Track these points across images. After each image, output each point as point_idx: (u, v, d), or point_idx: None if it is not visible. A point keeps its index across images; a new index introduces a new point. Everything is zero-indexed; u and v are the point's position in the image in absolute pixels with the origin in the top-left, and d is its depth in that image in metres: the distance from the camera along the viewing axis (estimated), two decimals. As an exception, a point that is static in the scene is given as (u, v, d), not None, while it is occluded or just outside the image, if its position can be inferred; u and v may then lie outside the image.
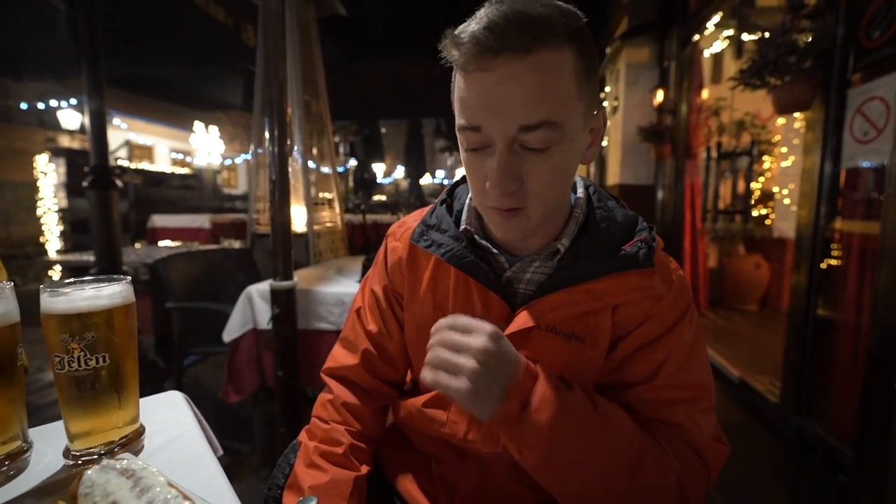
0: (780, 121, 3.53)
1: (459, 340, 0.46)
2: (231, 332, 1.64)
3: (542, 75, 0.44)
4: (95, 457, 0.51)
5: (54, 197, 7.26)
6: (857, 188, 1.65)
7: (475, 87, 0.46)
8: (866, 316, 1.51)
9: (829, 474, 1.62)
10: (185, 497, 0.38)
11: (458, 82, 0.48)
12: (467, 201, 0.62)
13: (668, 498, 0.48)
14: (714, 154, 3.89)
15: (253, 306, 1.63)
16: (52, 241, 7.25)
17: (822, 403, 1.80)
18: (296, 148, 2.51)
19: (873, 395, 1.34)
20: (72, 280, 0.51)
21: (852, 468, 1.48)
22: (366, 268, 1.75)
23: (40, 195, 7.25)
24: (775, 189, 3.75)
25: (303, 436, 0.67)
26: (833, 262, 1.73)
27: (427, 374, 0.47)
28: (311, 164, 2.61)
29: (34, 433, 0.56)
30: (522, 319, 0.54)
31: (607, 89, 4.52)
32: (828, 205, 1.72)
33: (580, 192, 0.60)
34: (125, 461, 0.42)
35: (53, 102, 7.62)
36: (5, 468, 0.49)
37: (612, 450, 0.47)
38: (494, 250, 0.58)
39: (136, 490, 0.38)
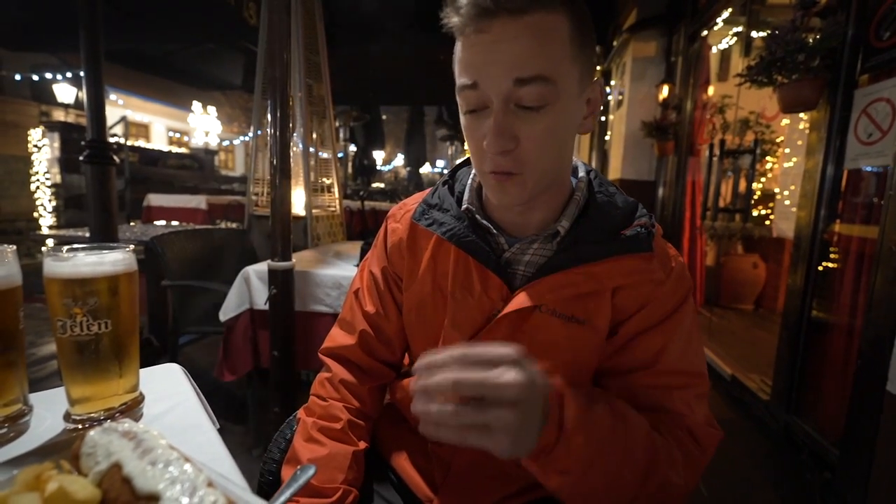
0: (785, 121, 3.53)
1: (486, 381, 0.36)
2: (227, 311, 1.64)
3: (537, 34, 0.46)
4: (96, 422, 0.51)
5: (48, 172, 7.15)
6: (857, 192, 1.65)
7: (473, 47, 0.48)
8: (859, 319, 1.52)
9: (815, 471, 1.65)
10: (186, 459, 0.38)
11: (458, 47, 0.50)
12: (469, 182, 0.62)
13: (677, 490, 0.49)
14: (717, 152, 3.89)
15: (250, 286, 1.63)
16: (45, 216, 7.17)
17: (812, 402, 1.83)
18: (296, 131, 2.49)
19: (862, 396, 1.36)
20: (75, 246, 0.51)
21: (838, 466, 1.50)
22: (364, 252, 1.75)
23: (33, 170, 7.15)
24: (776, 189, 3.76)
25: (301, 413, 0.67)
26: (830, 264, 1.75)
27: (448, 435, 0.37)
28: (310, 148, 2.59)
29: (34, 399, 0.56)
30: (521, 300, 0.54)
31: (613, 83, 4.49)
32: (828, 207, 1.72)
33: (581, 175, 0.60)
34: (126, 424, 0.42)
35: (48, 75, 7.48)
36: (5, 430, 0.49)
37: (633, 456, 0.46)
38: (494, 231, 0.58)
39: (138, 451, 0.38)
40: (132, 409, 0.55)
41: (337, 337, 0.70)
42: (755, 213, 3.89)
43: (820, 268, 1.77)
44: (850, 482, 1.40)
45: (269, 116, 1.47)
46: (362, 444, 0.64)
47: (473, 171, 0.62)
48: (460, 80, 0.50)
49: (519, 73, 0.46)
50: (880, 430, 1.25)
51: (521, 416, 0.37)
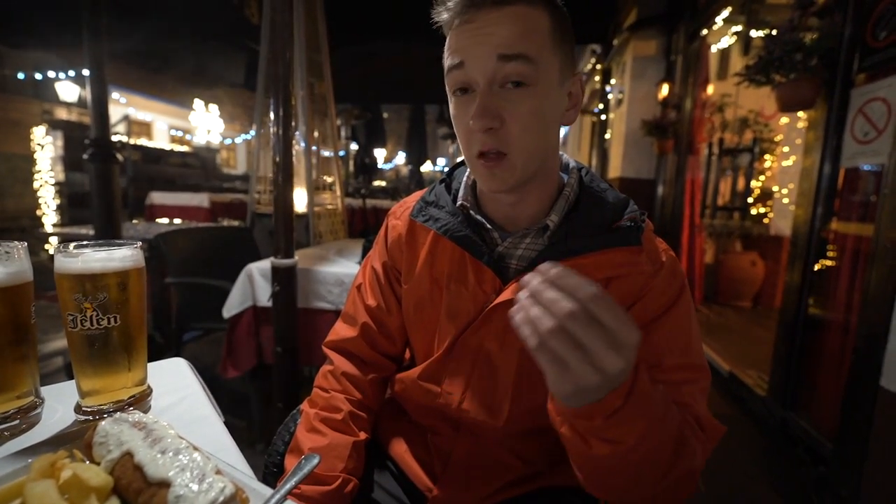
0: (784, 120, 3.54)
1: (597, 343, 0.35)
2: (231, 308, 1.66)
3: (519, 21, 0.49)
4: (106, 414, 0.53)
5: (51, 170, 7.19)
6: (853, 190, 1.67)
7: (460, 34, 0.51)
8: (854, 316, 1.54)
9: (810, 466, 1.67)
10: (195, 448, 0.40)
11: (447, 41, 0.53)
12: (464, 180, 0.64)
13: (695, 475, 0.50)
14: (716, 150, 3.90)
15: (253, 283, 1.65)
16: (49, 214, 7.21)
17: (807, 398, 1.84)
18: (298, 130, 2.50)
19: (856, 391, 1.37)
20: (83, 242, 0.53)
21: (832, 460, 1.52)
22: (366, 249, 1.77)
23: (37, 168, 7.18)
24: (775, 188, 3.77)
25: (304, 405, 0.69)
26: (827, 261, 1.76)
27: (527, 336, 0.37)
28: (312, 146, 2.61)
29: (45, 392, 0.57)
30: (511, 291, 0.56)
31: (613, 81, 4.49)
32: (825, 205, 1.74)
33: (572, 171, 0.62)
34: (137, 415, 0.44)
35: (51, 73, 7.50)
36: (18, 421, 0.51)
37: (670, 435, 0.45)
38: (488, 226, 0.60)
39: (148, 440, 0.40)
40: (141, 401, 0.57)
41: (340, 330, 0.72)
42: (753, 211, 3.90)
43: (817, 266, 1.78)
44: (844, 476, 1.41)
45: (271, 115, 1.49)
46: (363, 435, 0.65)
47: (469, 169, 0.64)
48: (448, 62, 0.53)
49: (503, 49, 0.49)
50: (874, 425, 1.26)
51: (600, 381, 0.37)
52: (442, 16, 0.52)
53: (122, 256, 0.53)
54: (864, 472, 1.30)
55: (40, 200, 7.22)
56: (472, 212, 0.61)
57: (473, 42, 0.50)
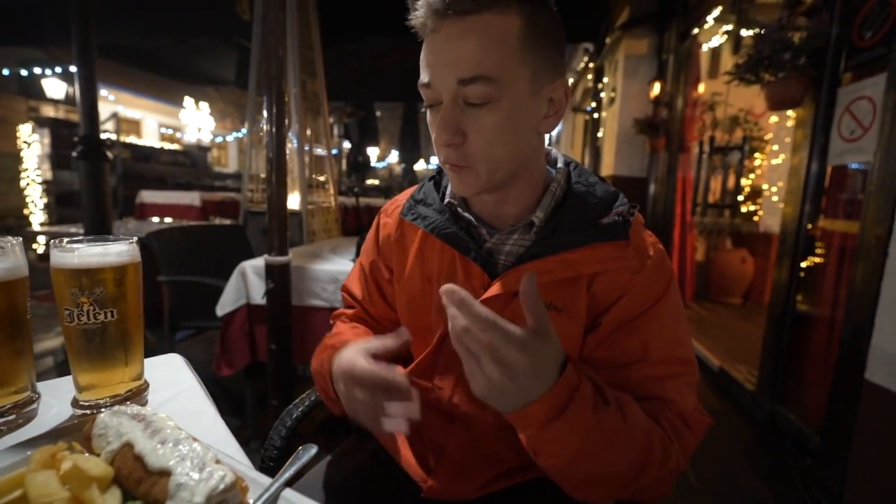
0: (773, 118, 3.58)
1: (496, 350, 0.40)
2: (224, 306, 1.65)
3: (482, 35, 0.48)
4: (103, 409, 0.53)
5: (38, 168, 7.07)
6: (840, 188, 1.70)
7: (428, 46, 0.52)
8: (840, 312, 1.57)
9: (798, 458, 1.70)
10: (194, 439, 0.41)
11: (422, 49, 0.53)
12: None
13: (670, 478, 0.51)
14: (707, 148, 3.94)
15: (246, 281, 1.64)
16: (36, 213, 7.09)
17: (795, 392, 1.88)
18: (291, 128, 2.49)
19: (842, 385, 1.40)
20: (80, 238, 0.53)
21: (819, 452, 1.55)
22: (359, 247, 1.77)
23: (23, 166, 7.05)
24: (764, 186, 3.82)
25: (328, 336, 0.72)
26: (814, 258, 1.79)
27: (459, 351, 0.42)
28: (305, 145, 2.60)
29: (41, 387, 0.57)
30: (498, 287, 0.56)
31: (605, 80, 4.52)
32: (812, 203, 1.77)
33: (560, 167, 0.62)
34: (135, 408, 0.44)
35: (37, 70, 7.36)
36: (15, 416, 0.51)
37: (627, 457, 0.48)
38: (476, 223, 0.60)
39: (147, 431, 0.40)
40: (137, 395, 0.57)
41: (350, 285, 0.78)
42: (744, 208, 3.95)
43: (804, 262, 1.81)
44: (830, 467, 1.44)
45: (263, 113, 1.48)
46: None
47: None
48: (420, 78, 0.53)
49: (461, 73, 0.49)
50: (858, 417, 1.29)
51: (509, 382, 0.40)
52: (414, 21, 0.52)
53: (118, 251, 0.53)
54: (849, 463, 1.33)
55: (27, 199, 7.09)
56: (459, 209, 0.61)
57: (437, 61, 0.50)
